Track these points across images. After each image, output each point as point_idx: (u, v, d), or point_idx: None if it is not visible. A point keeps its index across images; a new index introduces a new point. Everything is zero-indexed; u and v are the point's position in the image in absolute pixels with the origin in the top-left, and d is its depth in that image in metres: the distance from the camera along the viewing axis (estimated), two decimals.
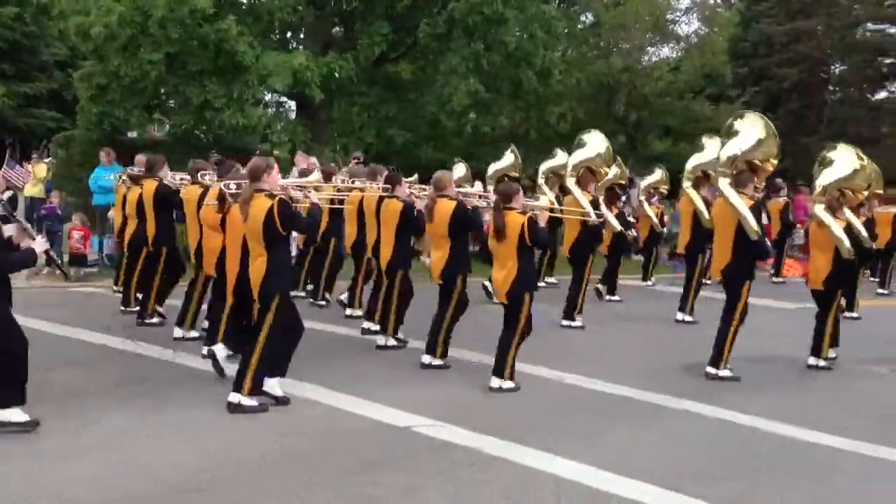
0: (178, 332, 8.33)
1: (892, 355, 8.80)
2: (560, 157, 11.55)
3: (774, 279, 14.48)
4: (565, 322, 9.88)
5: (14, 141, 27.34)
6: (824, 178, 8.25)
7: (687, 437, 6.11)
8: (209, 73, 15.50)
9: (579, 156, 10.61)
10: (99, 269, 12.72)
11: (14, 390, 5.42)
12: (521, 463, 5.33)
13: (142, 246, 9.09)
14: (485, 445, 5.59)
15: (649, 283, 13.78)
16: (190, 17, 14.54)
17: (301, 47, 17.67)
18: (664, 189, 14.00)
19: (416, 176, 10.00)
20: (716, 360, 7.64)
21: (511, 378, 7.02)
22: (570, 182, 10.33)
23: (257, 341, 6.12)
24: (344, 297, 10.12)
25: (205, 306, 8.02)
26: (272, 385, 6.26)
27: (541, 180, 11.59)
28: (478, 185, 9.70)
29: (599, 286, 11.87)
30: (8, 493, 4.62)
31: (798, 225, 14.95)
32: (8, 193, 10.37)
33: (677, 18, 27.24)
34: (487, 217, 8.08)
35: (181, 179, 8.63)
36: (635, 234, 12.70)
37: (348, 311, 9.84)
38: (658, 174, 13.96)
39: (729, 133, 8.01)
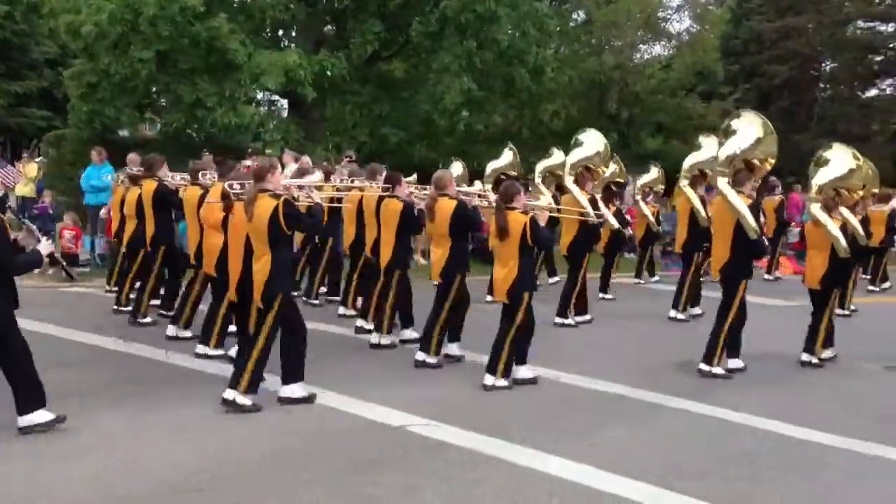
0: (171, 331, 8.34)
1: (885, 352, 8.84)
2: (557, 156, 11.52)
3: (766, 276, 14.52)
4: (558, 320, 9.90)
5: (4, 140, 27.21)
6: (820, 177, 8.26)
7: (680, 435, 6.12)
8: (201, 72, 15.45)
9: (577, 155, 10.59)
10: (91, 269, 12.67)
11: (35, 391, 5.51)
12: (516, 462, 5.34)
13: (141, 246, 9.07)
14: (479, 445, 5.60)
15: (653, 279, 13.83)
16: (180, 15, 14.49)
17: (293, 45, 17.62)
18: (660, 188, 13.92)
19: (414, 176, 9.97)
20: (709, 357, 7.67)
21: (504, 376, 7.03)
22: (569, 181, 10.32)
23: (257, 340, 6.17)
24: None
25: (204, 307, 8.01)
26: (293, 389, 6.31)
27: (538, 179, 11.58)
28: (477, 184, 9.67)
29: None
30: (8, 493, 4.62)
31: (790, 223, 15.02)
32: None
33: (669, 16, 27.43)
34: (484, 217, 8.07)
35: (181, 180, 8.62)
36: (631, 232, 12.70)
37: (341, 311, 9.84)
38: (654, 173, 13.85)
39: (727, 133, 8.00)
